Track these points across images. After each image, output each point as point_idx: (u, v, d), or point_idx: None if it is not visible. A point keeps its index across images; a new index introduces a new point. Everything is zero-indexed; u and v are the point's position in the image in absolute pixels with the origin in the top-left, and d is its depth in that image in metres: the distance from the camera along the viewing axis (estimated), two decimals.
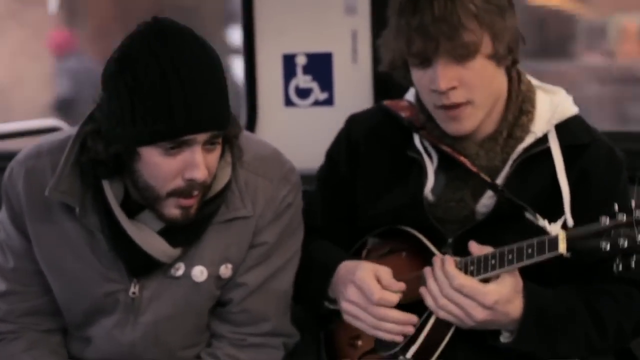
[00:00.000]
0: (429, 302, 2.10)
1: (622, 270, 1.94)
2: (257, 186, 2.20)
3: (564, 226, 2.09)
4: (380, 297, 2.13)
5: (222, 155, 2.11)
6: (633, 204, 1.93)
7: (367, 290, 2.14)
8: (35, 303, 2.26)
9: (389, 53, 2.24)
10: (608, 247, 1.91)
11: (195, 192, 2.04)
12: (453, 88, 2.13)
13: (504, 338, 2.12)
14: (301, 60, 3.02)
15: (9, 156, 2.35)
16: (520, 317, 2.08)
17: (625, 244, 1.90)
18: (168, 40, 1.97)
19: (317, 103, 3.02)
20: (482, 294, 2.04)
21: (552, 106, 2.26)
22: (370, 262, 2.22)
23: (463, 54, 2.11)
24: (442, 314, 2.08)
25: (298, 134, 3.02)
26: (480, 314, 2.04)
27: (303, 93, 3.03)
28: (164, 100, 1.94)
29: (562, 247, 1.94)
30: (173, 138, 1.97)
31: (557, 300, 2.13)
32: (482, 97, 2.18)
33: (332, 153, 2.46)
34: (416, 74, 2.19)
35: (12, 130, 3.50)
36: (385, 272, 2.18)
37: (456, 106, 2.16)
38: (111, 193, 2.10)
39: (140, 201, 2.10)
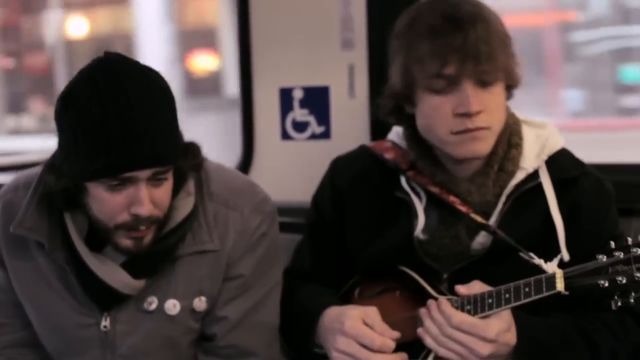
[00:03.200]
0: (429, 342, 2.08)
1: (621, 307, 1.93)
2: (228, 219, 2.19)
3: (560, 264, 2.08)
4: (382, 344, 2.12)
5: (181, 187, 2.11)
6: (630, 240, 1.93)
7: (365, 339, 2.12)
8: (19, 335, 2.27)
9: (400, 75, 2.21)
10: (606, 285, 1.90)
11: (142, 227, 2.04)
12: (479, 112, 2.14)
13: None
14: (298, 94, 3.03)
15: None
16: (514, 346, 2.06)
17: (624, 281, 1.89)
18: (111, 77, 1.98)
19: (314, 136, 3.02)
20: (483, 328, 2.03)
21: (539, 140, 2.27)
22: (355, 307, 2.19)
23: (491, 79, 2.14)
24: (443, 352, 2.06)
25: (295, 168, 3.02)
26: (484, 349, 2.03)
27: (300, 127, 3.03)
28: (103, 138, 1.95)
29: (560, 286, 1.94)
30: (112, 175, 1.98)
31: (550, 327, 2.11)
32: (498, 124, 2.19)
33: (317, 199, 2.45)
34: (432, 101, 2.16)
35: (14, 163, 3.49)
36: (373, 316, 2.16)
37: (477, 129, 2.15)
38: (73, 226, 2.11)
39: (100, 233, 2.10)
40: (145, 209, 2.00)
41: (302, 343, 2.27)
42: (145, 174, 1.99)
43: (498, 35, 2.15)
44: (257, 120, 3.07)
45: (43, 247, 2.14)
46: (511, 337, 2.06)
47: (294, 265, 2.45)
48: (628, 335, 2.16)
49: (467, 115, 2.13)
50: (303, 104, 3.02)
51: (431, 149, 2.26)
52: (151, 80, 2.02)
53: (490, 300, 2.06)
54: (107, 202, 2.01)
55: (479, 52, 2.10)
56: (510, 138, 2.25)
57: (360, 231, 2.34)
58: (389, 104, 2.28)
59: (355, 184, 2.37)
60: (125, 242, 2.06)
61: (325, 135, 3.01)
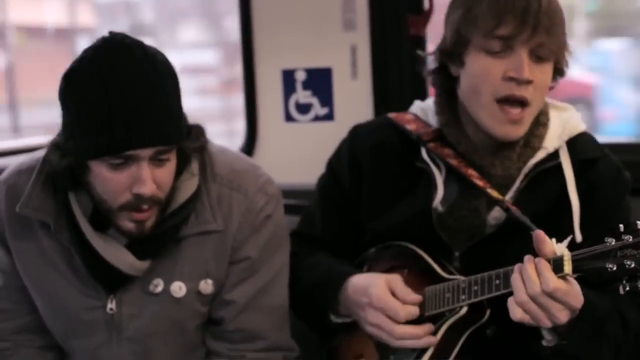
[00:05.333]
0: (517, 301, 1.92)
1: (629, 291, 1.91)
2: (232, 200, 2.19)
3: (571, 246, 2.05)
4: (405, 315, 2.13)
5: (185, 168, 2.11)
6: (639, 224, 1.91)
7: (390, 310, 2.13)
8: (25, 320, 2.27)
9: (453, 31, 2.20)
10: (615, 269, 1.88)
11: (145, 207, 2.03)
12: (529, 82, 2.13)
13: (549, 342, 2.02)
14: (301, 76, 3.02)
15: None
16: (577, 316, 1.97)
17: (632, 265, 1.88)
18: (115, 56, 1.98)
19: (317, 118, 3.02)
20: (574, 296, 1.93)
21: (561, 121, 2.27)
22: (380, 276, 2.19)
23: (546, 53, 2.14)
24: (520, 315, 1.93)
25: (298, 149, 3.02)
26: (564, 317, 1.93)
27: (303, 108, 3.03)
28: (105, 115, 1.95)
29: (568, 268, 1.91)
30: (114, 153, 1.97)
31: (599, 297, 2.04)
32: (539, 102, 2.19)
33: (333, 163, 2.44)
34: (484, 61, 2.15)
35: (17, 147, 3.50)
36: (397, 283, 2.16)
37: (521, 103, 2.15)
38: (77, 207, 2.11)
39: (103, 214, 2.10)
40: (147, 188, 1.99)
41: (322, 311, 2.26)
42: (147, 152, 1.99)
43: (559, 15, 2.15)
44: (260, 102, 3.07)
45: (48, 228, 2.14)
46: (579, 303, 1.96)
47: (302, 230, 2.43)
48: None
49: (517, 81, 2.12)
50: (306, 85, 3.02)
51: (460, 118, 2.26)
52: (155, 59, 2.01)
53: (497, 282, 2.04)
54: (109, 181, 2.00)
55: (539, 21, 2.10)
56: (538, 116, 2.25)
57: (376, 201, 2.33)
58: (434, 62, 2.27)
59: (375, 153, 2.35)
60: (128, 225, 2.06)
61: (329, 116, 3.01)
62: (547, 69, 2.17)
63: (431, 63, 2.29)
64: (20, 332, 2.27)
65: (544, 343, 2.02)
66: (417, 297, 2.15)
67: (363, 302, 2.17)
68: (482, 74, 2.16)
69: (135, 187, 2.00)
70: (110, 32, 2.04)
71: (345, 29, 2.95)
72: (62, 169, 2.05)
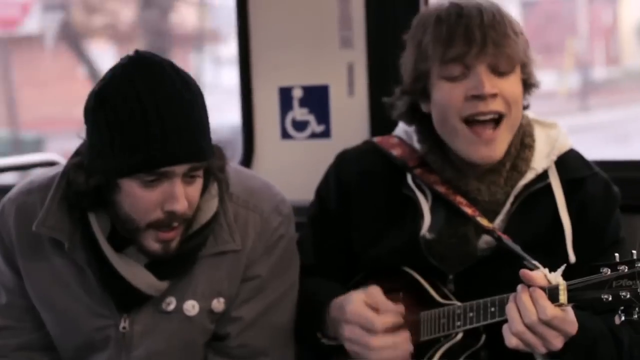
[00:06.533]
0: (512, 331, 1.93)
1: (624, 321, 1.91)
2: (247, 220, 2.19)
3: (565, 272, 2.03)
4: (382, 324, 2.10)
5: (206, 188, 2.11)
6: (635, 254, 1.90)
7: (364, 321, 2.11)
8: (27, 338, 2.26)
9: (411, 70, 2.22)
10: (610, 299, 1.88)
11: (175, 224, 2.04)
12: (494, 95, 2.13)
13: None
14: (297, 93, 3.02)
15: (4, 190, 2.35)
16: (570, 339, 1.97)
17: (628, 296, 1.87)
18: (148, 73, 1.98)
19: (313, 135, 3.02)
20: (570, 324, 1.94)
21: (549, 140, 2.26)
22: (358, 291, 2.17)
23: (505, 65, 2.14)
24: (515, 342, 1.94)
25: (295, 167, 3.01)
26: (559, 343, 1.94)
27: (300, 126, 3.03)
28: (141, 132, 1.95)
29: (563, 298, 1.91)
30: (150, 170, 1.98)
31: (592, 318, 2.05)
32: (515, 116, 2.18)
33: (322, 191, 2.44)
34: (445, 88, 2.16)
35: (9, 165, 3.50)
36: (376, 296, 2.13)
37: (492, 120, 2.14)
38: (98, 227, 2.10)
39: (125, 234, 2.09)
40: (180, 205, 2.00)
41: (310, 334, 2.26)
42: (181, 169, 1.99)
43: (508, 25, 2.16)
44: (257, 119, 3.07)
45: (60, 248, 2.14)
46: (574, 330, 1.96)
47: None
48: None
49: (480, 97, 2.12)
50: (303, 103, 3.02)
51: (443, 144, 2.25)
52: (187, 77, 2.03)
53: (493, 309, 2.04)
54: (140, 198, 2.00)
55: (485, 34, 2.12)
56: (523, 139, 2.24)
57: (366, 229, 2.33)
58: (403, 105, 2.28)
59: (362, 180, 2.36)
60: (154, 245, 2.05)
61: (325, 134, 3.01)
62: (513, 80, 2.17)
63: (400, 106, 2.29)
64: (22, 349, 2.27)
65: None
66: (396, 307, 2.12)
67: (340, 319, 2.16)
68: (445, 100, 2.17)
69: (168, 205, 2.00)
70: (137, 51, 2.04)
71: (342, 47, 2.95)
72: (90, 189, 2.04)
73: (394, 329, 2.11)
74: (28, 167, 3.55)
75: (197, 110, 2.01)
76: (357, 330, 2.11)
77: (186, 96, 1.99)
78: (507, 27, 2.15)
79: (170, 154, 1.97)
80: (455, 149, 2.19)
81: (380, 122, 2.90)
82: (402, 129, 2.39)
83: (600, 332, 2.07)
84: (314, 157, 2.90)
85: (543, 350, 1.93)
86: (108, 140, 1.98)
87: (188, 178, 2.02)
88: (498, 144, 2.16)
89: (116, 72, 2.01)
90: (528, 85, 2.22)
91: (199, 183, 2.06)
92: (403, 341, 2.10)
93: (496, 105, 2.13)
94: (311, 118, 3.02)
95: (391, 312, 2.11)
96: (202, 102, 2.04)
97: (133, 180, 1.99)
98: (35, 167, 3.49)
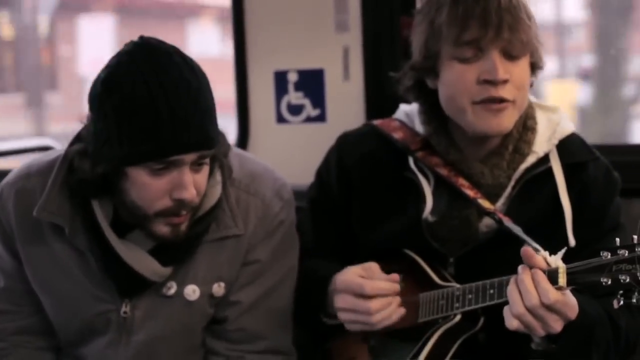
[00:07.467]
0: (513, 313, 1.92)
1: (624, 305, 1.91)
2: (249, 204, 2.19)
3: (567, 252, 2.03)
4: (372, 288, 2.10)
5: (211, 174, 2.11)
6: (635, 239, 1.91)
7: (356, 288, 2.11)
8: (26, 322, 2.26)
9: (422, 47, 2.21)
10: (609, 283, 1.88)
11: (184, 212, 2.03)
12: (506, 81, 2.13)
13: (538, 345, 2.02)
14: (293, 77, 3.02)
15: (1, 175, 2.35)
16: (572, 321, 1.97)
17: (627, 280, 1.88)
18: (155, 61, 1.97)
19: (309, 119, 3.02)
20: (572, 308, 1.94)
21: (550, 124, 2.27)
22: (354, 266, 2.16)
23: (518, 50, 2.13)
24: (516, 325, 1.93)
25: (290, 151, 3.01)
26: (559, 326, 1.94)
27: (295, 110, 3.03)
28: (151, 121, 1.94)
29: (563, 281, 1.91)
30: (160, 158, 1.96)
31: (590, 302, 2.05)
32: (522, 100, 2.18)
33: (322, 173, 2.43)
34: (457, 69, 2.15)
35: (3, 150, 3.50)
36: (372, 268, 2.13)
37: (500, 101, 2.14)
38: (101, 213, 2.10)
39: (130, 220, 2.09)
40: (189, 193, 1.99)
41: (313, 313, 2.25)
42: (191, 157, 1.99)
43: (522, 9, 2.15)
44: (252, 103, 3.07)
45: (60, 233, 2.13)
46: (575, 314, 1.97)
47: None
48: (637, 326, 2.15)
49: (493, 83, 2.12)
50: (298, 86, 3.01)
51: (447, 126, 2.25)
52: (193, 64, 2.01)
53: (492, 291, 2.05)
54: (148, 187, 1.99)
55: (501, 19, 2.11)
56: (525, 121, 2.25)
57: (368, 212, 2.33)
58: (410, 79, 2.27)
59: (364, 164, 2.35)
60: (164, 229, 2.04)
61: (321, 118, 3.00)
62: (523, 65, 2.17)
63: (406, 81, 2.28)
64: (20, 333, 2.27)
65: (533, 346, 2.03)
66: (390, 277, 2.12)
67: (332, 291, 2.16)
68: (457, 81, 2.16)
69: (176, 193, 1.99)
70: (142, 36, 2.03)
71: (337, 31, 2.95)
72: (96, 176, 2.02)
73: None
74: (23, 152, 3.54)
75: (204, 97, 2.00)
76: (348, 298, 2.12)
77: (194, 83, 1.98)
78: (522, 11, 2.15)
79: (181, 143, 1.95)
80: (463, 125, 2.19)
81: (376, 106, 2.90)
82: (402, 112, 2.39)
83: (600, 317, 2.07)
84: (309, 141, 2.91)
85: (542, 333, 1.93)
86: (116, 129, 1.96)
87: (196, 166, 2.01)
88: (507, 116, 2.16)
89: (122, 58, 1.99)
90: (534, 65, 2.22)
91: (206, 170, 2.05)
92: (393, 287, 2.11)
93: (506, 93, 2.13)
94: (306, 102, 3.01)
95: (383, 279, 2.12)
96: (209, 88, 2.02)
97: (141, 169, 1.98)
98: (31, 152, 3.48)
